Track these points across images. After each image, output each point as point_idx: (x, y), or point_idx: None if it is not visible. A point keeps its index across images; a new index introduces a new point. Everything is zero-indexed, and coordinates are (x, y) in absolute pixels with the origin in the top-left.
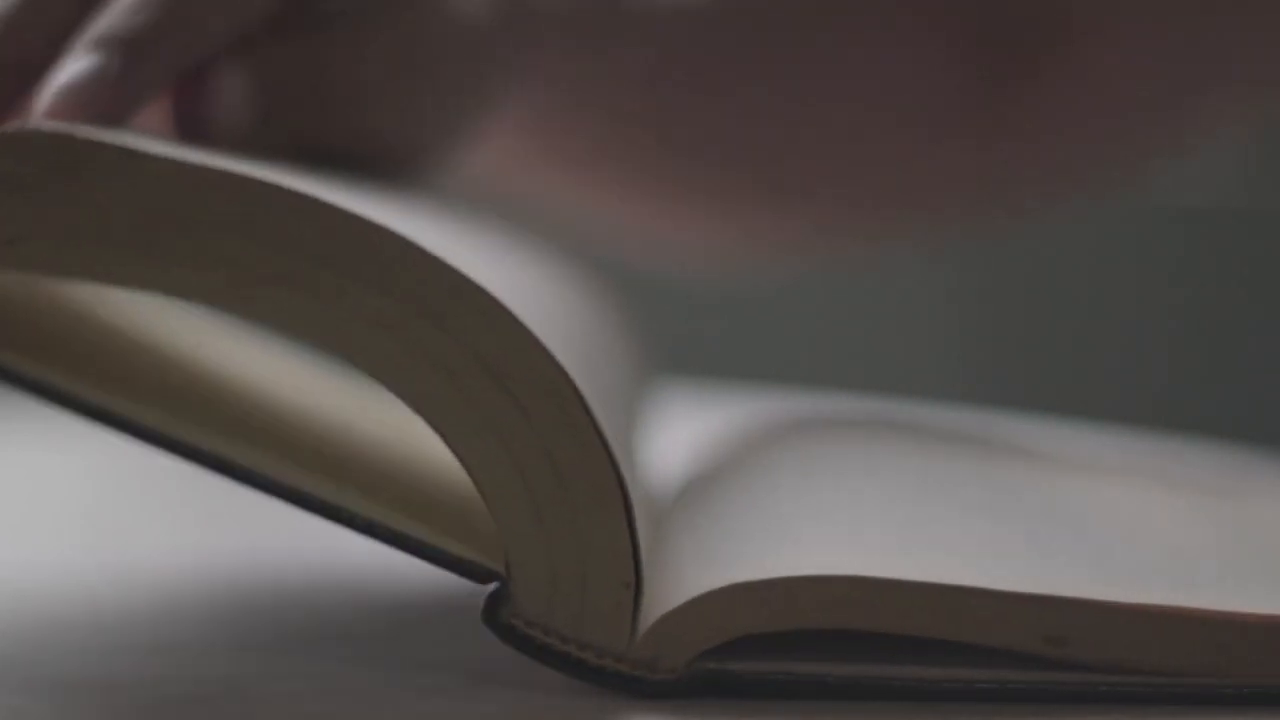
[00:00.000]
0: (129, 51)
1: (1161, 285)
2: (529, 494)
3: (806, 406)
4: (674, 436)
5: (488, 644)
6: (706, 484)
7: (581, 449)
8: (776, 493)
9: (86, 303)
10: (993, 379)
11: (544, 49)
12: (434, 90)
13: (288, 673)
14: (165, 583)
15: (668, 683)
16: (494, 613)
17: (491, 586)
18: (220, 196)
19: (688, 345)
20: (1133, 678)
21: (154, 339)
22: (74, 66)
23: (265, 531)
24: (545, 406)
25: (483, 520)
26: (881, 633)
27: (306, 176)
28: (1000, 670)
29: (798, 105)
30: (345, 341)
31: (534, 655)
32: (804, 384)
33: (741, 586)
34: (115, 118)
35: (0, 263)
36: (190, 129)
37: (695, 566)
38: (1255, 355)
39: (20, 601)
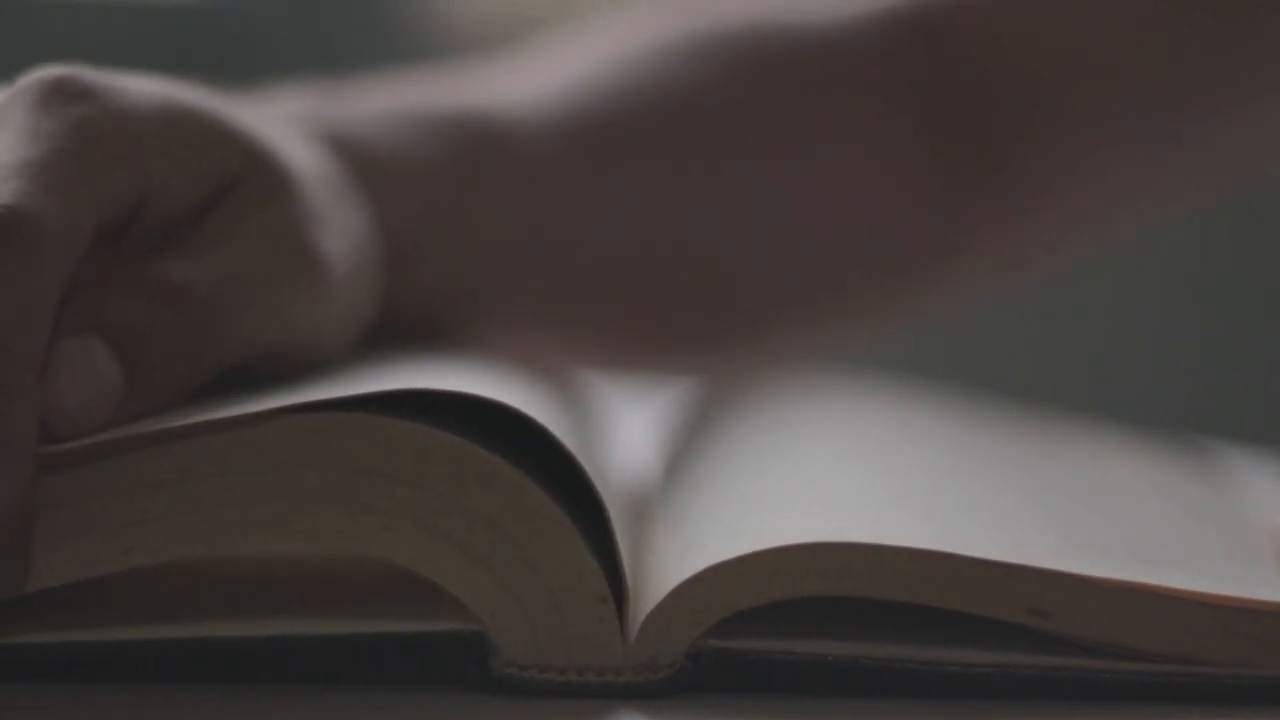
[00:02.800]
0: None
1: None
2: (466, 552)
3: (778, 385)
4: (645, 431)
5: None
6: (684, 474)
7: (497, 490)
8: (750, 472)
9: None
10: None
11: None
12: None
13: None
14: None
15: (670, 679)
16: (487, 668)
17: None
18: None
19: None
20: (1132, 665)
21: None
22: None
23: None
24: (437, 472)
25: (413, 590)
26: (886, 616)
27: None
28: (1002, 653)
29: (761, 212)
30: None
31: (537, 694)
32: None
33: (717, 568)
34: None
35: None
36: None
37: (677, 557)
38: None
39: None
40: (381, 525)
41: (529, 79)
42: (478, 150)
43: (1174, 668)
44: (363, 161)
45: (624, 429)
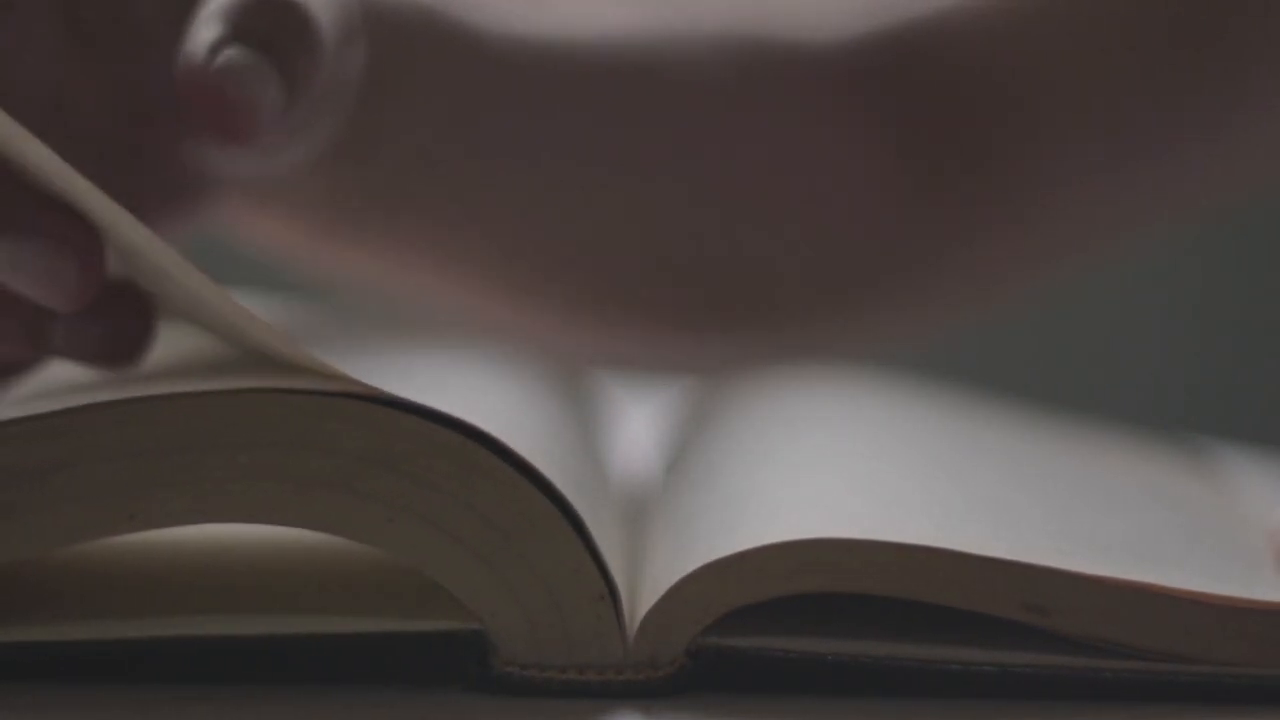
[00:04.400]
0: None
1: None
2: (468, 550)
3: (776, 381)
4: (645, 428)
5: None
6: (683, 470)
7: (500, 488)
8: (748, 468)
9: None
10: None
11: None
12: None
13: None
14: None
15: (670, 677)
16: (487, 667)
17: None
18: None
19: None
20: (1132, 664)
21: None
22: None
23: None
24: (442, 467)
25: (410, 586)
26: (887, 615)
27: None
28: (1003, 652)
29: (727, 191)
30: None
31: (537, 693)
32: None
33: (716, 564)
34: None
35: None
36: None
37: (676, 554)
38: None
39: None
40: (384, 517)
41: (526, 11)
42: (453, 30)
43: (1174, 667)
44: None
45: (624, 426)
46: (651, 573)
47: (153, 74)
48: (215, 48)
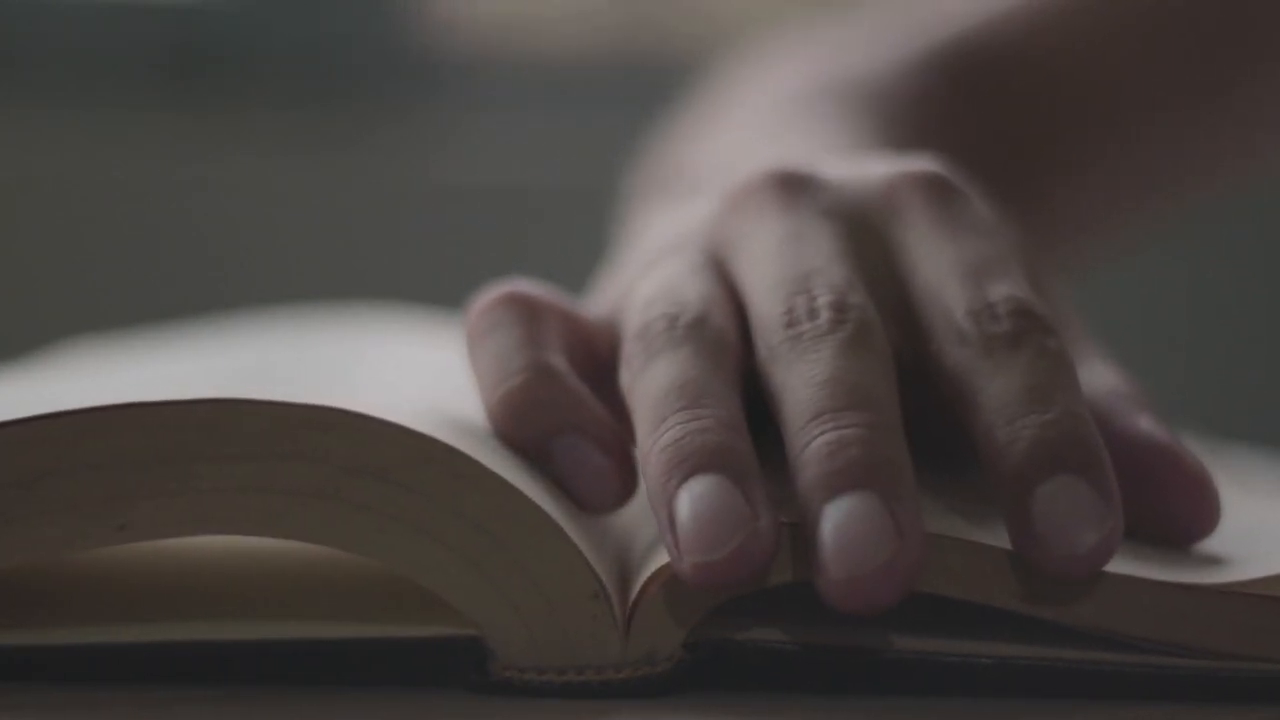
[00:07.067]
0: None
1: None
2: (459, 556)
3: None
4: None
5: None
6: None
7: (487, 493)
8: None
9: None
10: None
11: None
12: None
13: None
14: None
15: (669, 673)
16: (485, 673)
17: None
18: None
19: None
20: (1131, 657)
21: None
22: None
23: None
24: (429, 474)
25: (405, 596)
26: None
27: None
28: (1002, 644)
29: None
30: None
31: (537, 695)
32: None
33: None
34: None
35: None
36: None
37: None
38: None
39: None
40: (375, 526)
41: None
42: None
43: (1172, 660)
44: None
45: None
46: (646, 567)
47: None
48: None
